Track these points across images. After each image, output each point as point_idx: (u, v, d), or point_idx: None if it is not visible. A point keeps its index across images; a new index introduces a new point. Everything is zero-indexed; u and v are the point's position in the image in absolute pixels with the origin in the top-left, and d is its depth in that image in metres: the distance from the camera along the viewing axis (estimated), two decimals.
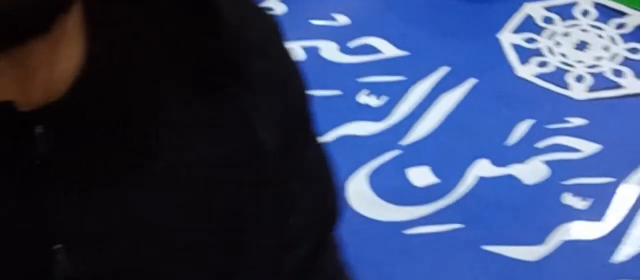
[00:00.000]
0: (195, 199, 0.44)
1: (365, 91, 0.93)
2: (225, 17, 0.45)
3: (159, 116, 0.43)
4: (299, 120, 0.50)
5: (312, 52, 0.95)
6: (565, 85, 0.94)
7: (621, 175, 0.89)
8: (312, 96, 0.49)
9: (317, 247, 0.53)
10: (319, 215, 0.53)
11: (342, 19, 0.99)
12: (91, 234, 0.42)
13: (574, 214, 0.86)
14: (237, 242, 0.46)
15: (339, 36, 0.97)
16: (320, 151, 0.53)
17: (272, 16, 0.49)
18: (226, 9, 0.45)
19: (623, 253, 0.84)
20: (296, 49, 0.95)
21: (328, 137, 0.90)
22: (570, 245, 0.84)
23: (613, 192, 0.87)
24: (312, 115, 0.51)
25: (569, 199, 0.87)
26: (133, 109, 0.43)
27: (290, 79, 0.49)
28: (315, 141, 0.52)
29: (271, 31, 0.49)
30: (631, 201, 0.87)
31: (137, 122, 0.43)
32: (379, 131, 0.90)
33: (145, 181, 0.42)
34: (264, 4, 0.91)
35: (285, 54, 0.49)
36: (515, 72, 0.95)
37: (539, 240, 0.84)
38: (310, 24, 0.98)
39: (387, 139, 0.90)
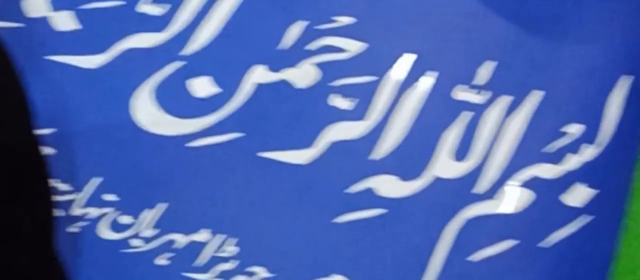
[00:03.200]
0: None
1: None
2: None
3: None
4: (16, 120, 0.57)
5: None
6: None
7: (383, 72, 1.01)
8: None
9: (46, 248, 0.63)
10: (51, 213, 0.63)
11: None
12: None
13: (340, 115, 0.99)
14: None
15: None
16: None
17: None
18: None
19: (382, 150, 0.98)
20: None
21: (112, 52, 0.96)
22: (336, 146, 0.98)
23: (375, 90, 1.00)
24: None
25: (336, 101, 0.99)
26: None
27: None
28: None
29: None
30: (391, 99, 1.00)
31: None
32: (161, 42, 0.98)
33: None
34: None
35: None
36: None
37: (308, 143, 0.97)
38: None
39: (169, 50, 0.98)
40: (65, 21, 0.96)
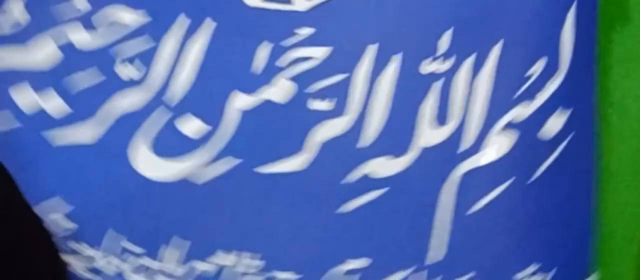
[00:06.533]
0: None
1: (119, 60, 1.11)
2: None
3: None
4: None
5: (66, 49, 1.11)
6: (288, 1, 1.15)
7: (351, 68, 1.12)
8: None
9: None
10: None
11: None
12: None
13: (322, 116, 1.10)
14: None
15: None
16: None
17: None
18: None
19: (368, 137, 1.09)
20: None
21: (103, 120, 1.09)
22: (326, 145, 1.09)
23: (348, 86, 1.11)
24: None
25: (315, 104, 1.10)
26: None
27: None
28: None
29: None
30: (365, 89, 1.11)
31: None
32: (145, 96, 1.10)
33: None
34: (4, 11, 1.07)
35: None
36: (246, 4, 1.14)
37: (298, 150, 1.08)
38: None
39: (153, 102, 1.10)
40: (57, 107, 1.08)
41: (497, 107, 1.10)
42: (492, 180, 1.08)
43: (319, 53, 1.13)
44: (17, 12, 1.08)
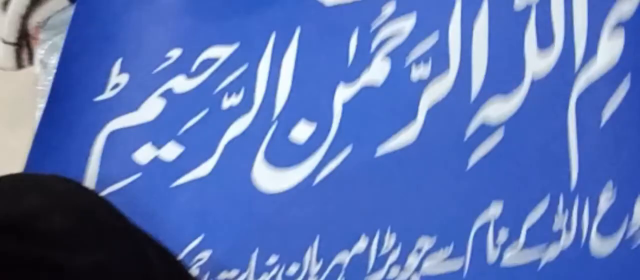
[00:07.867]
0: None
1: (225, 97, 1.14)
2: None
3: None
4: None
5: (167, 95, 1.16)
6: None
7: (443, 26, 1.10)
8: None
9: None
10: None
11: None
12: None
13: (425, 82, 1.08)
14: None
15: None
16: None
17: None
18: None
19: (475, 86, 1.06)
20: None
21: (217, 151, 1.11)
22: (436, 108, 1.06)
23: (444, 43, 1.09)
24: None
25: (415, 73, 1.08)
26: None
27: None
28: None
29: None
30: (460, 41, 1.08)
31: None
32: (252, 120, 1.12)
33: None
34: (109, 81, 1.12)
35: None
36: (325, 5, 1.15)
37: (409, 121, 1.06)
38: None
39: (260, 122, 1.11)
40: (171, 150, 1.12)
41: (599, 12, 1.04)
42: (613, 85, 1.01)
43: (406, 24, 1.12)
44: (115, 75, 1.14)
